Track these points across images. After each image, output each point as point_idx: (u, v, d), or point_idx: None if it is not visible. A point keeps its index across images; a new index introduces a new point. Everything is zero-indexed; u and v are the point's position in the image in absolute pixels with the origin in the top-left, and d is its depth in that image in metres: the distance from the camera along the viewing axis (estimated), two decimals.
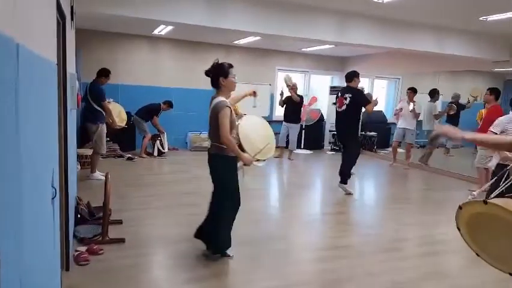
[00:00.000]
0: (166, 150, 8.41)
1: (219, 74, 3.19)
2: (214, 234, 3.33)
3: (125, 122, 7.00)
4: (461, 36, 6.88)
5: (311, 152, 10.13)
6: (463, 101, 9.39)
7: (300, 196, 5.98)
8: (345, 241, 4.12)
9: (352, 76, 5.82)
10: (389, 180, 7.77)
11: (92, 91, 5.86)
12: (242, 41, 8.93)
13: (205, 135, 9.28)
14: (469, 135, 1.91)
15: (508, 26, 6.19)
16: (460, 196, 6.32)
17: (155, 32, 8.11)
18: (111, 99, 6.90)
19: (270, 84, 9.91)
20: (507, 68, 9.41)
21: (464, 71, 11.42)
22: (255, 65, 10.12)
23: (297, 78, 10.46)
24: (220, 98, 3.16)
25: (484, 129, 6.06)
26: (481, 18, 5.81)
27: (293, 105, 8.46)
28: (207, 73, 3.25)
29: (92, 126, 5.82)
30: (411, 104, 8.14)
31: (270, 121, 9.24)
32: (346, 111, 5.75)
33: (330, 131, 10.68)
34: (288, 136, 8.66)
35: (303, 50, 10.01)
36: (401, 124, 8.31)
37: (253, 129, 3.66)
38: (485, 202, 1.72)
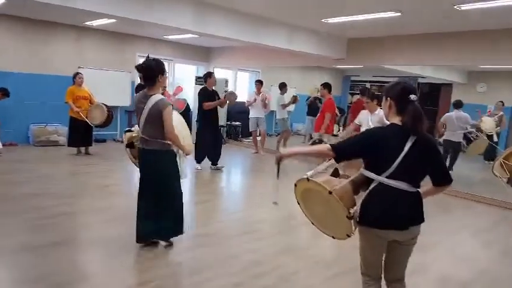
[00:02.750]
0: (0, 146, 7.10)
1: (157, 71, 3.23)
2: (177, 220, 3.49)
3: None
4: (308, 35, 7.61)
5: None
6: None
7: None
8: (209, 228, 4.23)
9: (205, 77, 6.88)
10: (250, 166, 8.25)
11: None
12: (95, 23, 8.17)
13: (52, 127, 8.29)
14: (295, 149, 2.25)
15: (343, 28, 7.15)
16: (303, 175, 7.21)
17: None
18: None
19: (130, 72, 9.36)
20: (345, 66, 10.95)
21: (313, 66, 12.85)
22: (113, 50, 9.43)
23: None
24: (159, 96, 3.23)
25: (321, 117, 7.06)
26: (323, 20, 6.56)
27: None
28: (141, 69, 3.26)
29: None
30: (260, 95, 8.78)
31: (132, 111, 8.86)
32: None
33: (197, 121, 10.71)
34: None
35: (165, 37, 9.75)
36: (253, 114, 8.92)
37: (180, 124, 3.66)
38: (307, 179, 2.09)
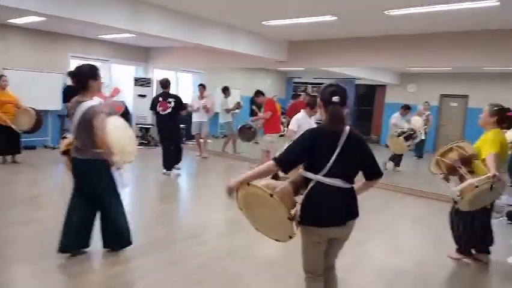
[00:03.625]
0: None
1: (89, 76, 3.11)
2: (119, 233, 3.39)
3: None
4: (249, 36, 7.66)
5: None
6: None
7: None
8: (151, 236, 4.07)
9: (167, 83, 6.80)
10: (195, 169, 8.11)
11: None
12: (20, 21, 7.55)
13: None
14: (243, 177, 2.15)
15: (284, 31, 7.28)
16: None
17: None
18: None
19: (62, 74, 8.74)
20: (287, 68, 11.17)
21: (257, 68, 12.97)
22: (43, 50, 8.78)
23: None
24: (92, 102, 3.07)
25: (271, 120, 7.12)
26: (263, 22, 6.63)
27: None
28: (72, 75, 3.14)
29: None
30: (203, 99, 8.65)
31: (64, 115, 8.27)
32: (171, 114, 6.60)
33: (137, 124, 10.35)
34: None
35: (100, 36, 9.27)
36: (196, 118, 8.75)
37: (122, 130, 3.49)
38: (248, 184, 2.08)
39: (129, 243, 3.47)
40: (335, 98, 2.12)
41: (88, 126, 3.03)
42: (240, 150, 9.22)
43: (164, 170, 6.79)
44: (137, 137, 10.24)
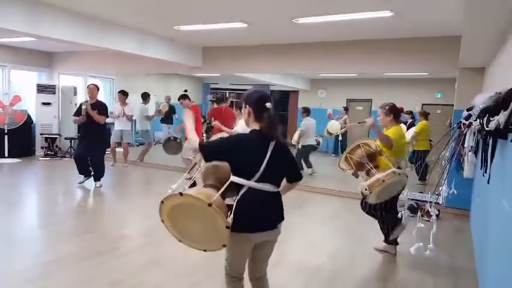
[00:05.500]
0: None
1: None
2: None
3: None
4: (161, 41, 7.48)
5: (20, 160, 8.72)
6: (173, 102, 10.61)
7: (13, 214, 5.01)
8: (58, 253, 3.76)
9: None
10: (112, 179, 7.68)
11: None
12: None
13: None
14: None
15: (198, 36, 7.29)
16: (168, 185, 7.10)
17: None
18: None
19: None
20: (201, 74, 11.15)
21: (173, 74, 12.74)
22: None
23: None
24: None
25: (196, 127, 7.02)
26: (175, 27, 6.54)
27: None
28: None
29: None
30: (124, 107, 8.34)
31: None
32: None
33: (41, 134, 9.48)
34: None
35: None
36: (117, 126, 8.44)
37: None
38: (181, 194, 1.96)
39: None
40: (268, 104, 2.16)
41: None
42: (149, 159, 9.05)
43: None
44: (42, 148, 9.41)
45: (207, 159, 2.18)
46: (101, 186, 6.51)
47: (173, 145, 7.75)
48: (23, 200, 5.93)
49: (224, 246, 2.02)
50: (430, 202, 3.23)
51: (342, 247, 4.40)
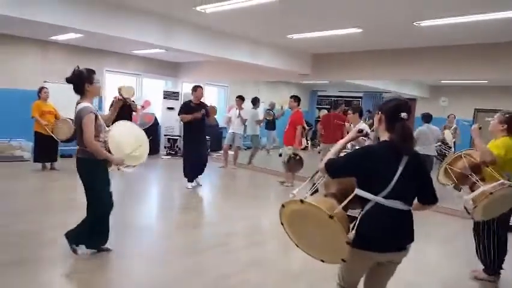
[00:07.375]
0: None
1: (83, 80, 3.27)
2: (90, 232, 3.51)
3: None
4: (273, 49, 7.75)
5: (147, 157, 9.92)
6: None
7: (138, 204, 5.75)
8: (177, 242, 4.20)
9: (191, 91, 6.46)
10: (221, 180, 8.23)
11: None
12: (61, 37, 8.04)
13: (16, 142, 8.04)
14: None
15: (308, 43, 7.37)
16: (275, 189, 7.26)
17: None
18: None
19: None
20: (310, 81, 11.24)
21: (280, 81, 13.09)
22: (81, 65, 8.95)
23: (130, 81, 10.11)
24: (84, 104, 3.25)
25: (290, 130, 7.18)
26: (288, 36, 6.75)
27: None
28: (70, 80, 3.29)
29: None
30: (239, 110, 8.84)
31: None
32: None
33: (165, 135, 10.65)
34: None
35: (133, 52, 9.69)
36: (231, 129, 8.94)
37: (125, 134, 3.61)
38: (301, 201, 1.95)
39: (94, 247, 3.59)
40: (403, 114, 2.03)
41: (79, 126, 3.23)
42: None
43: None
44: (165, 147, 10.57)
45: (332, 177, 2.10)
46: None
47: (298, 163, 7.29)
48: (148, 193, 6.78)
49: (343, 261, 1.93)
50: None
51: (454, 269, 3.99)
